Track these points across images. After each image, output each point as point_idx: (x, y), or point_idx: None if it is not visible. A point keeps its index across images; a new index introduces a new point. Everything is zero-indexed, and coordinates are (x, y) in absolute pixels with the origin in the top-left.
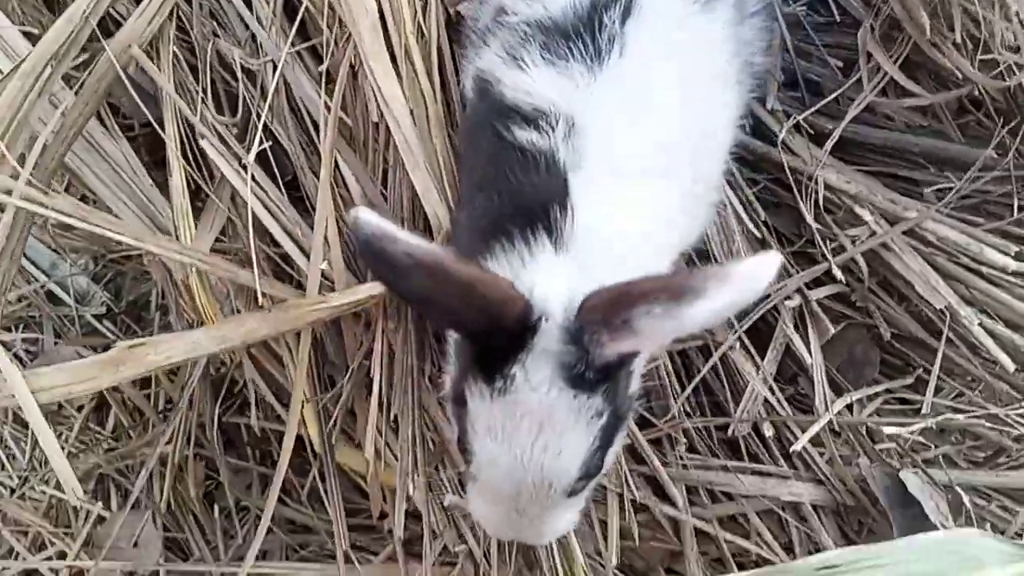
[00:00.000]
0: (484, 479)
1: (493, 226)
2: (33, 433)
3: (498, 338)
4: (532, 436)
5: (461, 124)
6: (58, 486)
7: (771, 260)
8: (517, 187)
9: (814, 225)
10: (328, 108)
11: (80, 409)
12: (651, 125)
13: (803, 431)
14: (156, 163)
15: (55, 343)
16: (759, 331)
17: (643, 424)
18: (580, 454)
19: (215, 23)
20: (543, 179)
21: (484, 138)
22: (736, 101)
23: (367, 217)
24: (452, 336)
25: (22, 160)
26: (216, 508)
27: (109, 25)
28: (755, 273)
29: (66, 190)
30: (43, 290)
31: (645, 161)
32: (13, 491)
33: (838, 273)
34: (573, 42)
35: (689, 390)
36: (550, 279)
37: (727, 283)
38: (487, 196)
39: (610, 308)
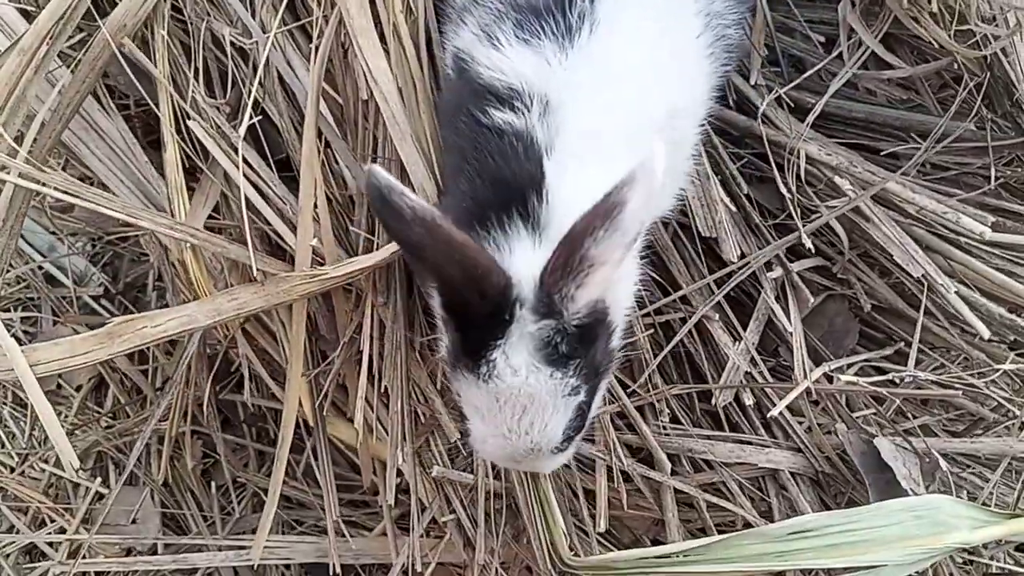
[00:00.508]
0: (479, 451)
1: (473, 211)
2: (32, 412)
3: (477, 309)
4: (516, 416)
5: (439, 103)
6: (57, 464)
7: (656, 151)
8: (495, 171)
9: (787, 195)
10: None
11: (79, 389)
12: (623, 101)
13: (782, 399)
14: (152, 143)
15: (53, 323)
16: (742, 304)
17: (628, 395)
18: (561, 425)
19: (208, 2)
20: (520, 163)
21: (462, 121)
22: (708, 73)
23: (379, 171)
24: (438, 313)
25: (20, 138)
26: (213, 485)
27: (104, 4)
28: (648, 164)
29: (64, 168)
30: (41, 272)
31: (618, 136)
32: (13, 469)
33: (807, 241)
34: (545, 20)
35: (667, 351)
36: (526, 265)
37: (635, 182)
38: (468, 180)
39: (565, 258)
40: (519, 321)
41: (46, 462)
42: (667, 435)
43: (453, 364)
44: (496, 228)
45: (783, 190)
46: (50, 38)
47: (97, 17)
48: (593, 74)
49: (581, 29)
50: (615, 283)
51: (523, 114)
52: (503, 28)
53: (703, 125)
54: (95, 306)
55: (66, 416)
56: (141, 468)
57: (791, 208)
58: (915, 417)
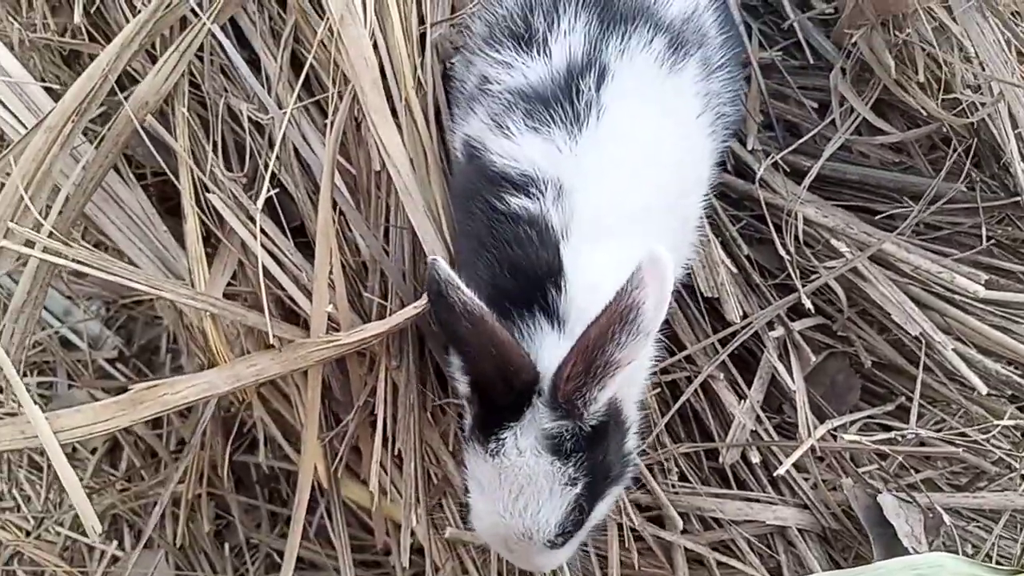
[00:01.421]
0: (476, 527)
1: (495, 300)
2: (48, 476)
3: (501, 398)
4: (513, 496)
5: (453, 186)
6: (73, 527)
7: (658, 248)
8: (514, 258)
9: (786, 256)
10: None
11: (94, 452)
12: (633, 183)
13: (787, 457)
14: (168, 210)
15: (68, 387)
16: (747, 363)
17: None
18: (556, 515)
19: (225, 78)
20: (537, 250)
21: (477, 207)
22: (710, 151)
23: (442, 265)
24: (462, 390)
25: (46, 211)
26: (227, 546)
27: (125, 81)
28: (656, 266)
29: (82, 236)
30: (57, 336)
31: (632, 218)
32: (28, 533)
33: (807, 302)
34: (553, 109)
35: (674, 411)
36: (548, 357)
37: (645, 284)
38: (487, 266)
39: (585, 365)
40: (535, 409)
41: (62, 525)
42: (676, 494)
43: (468, 436)
44: (518, 319)
45: (782, 252)
46: (75, 116)
47: (120, 94)
48: (602, 159)
49: (589, 116)
50: (628, 378)
51: (538, 199)
52: (513, 118)
53: (707, 197)
54: (110, 369)
55: (82, 479)
56: (156, 530)
57: (790, 269)
58: (918, 471)
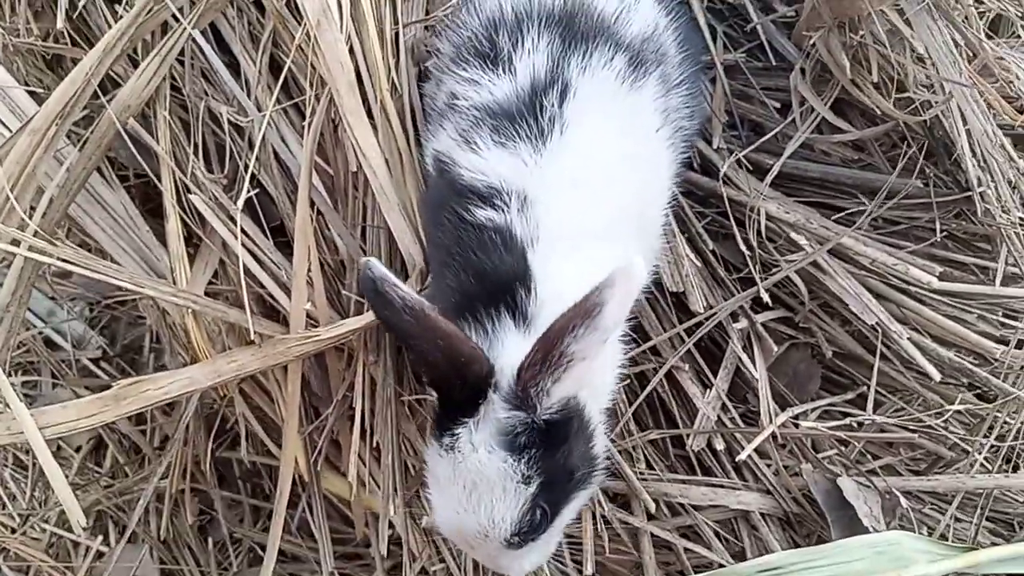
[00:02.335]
0: (436, 523)
1: (462, 303)
2: (33, 473)
3: (457, 392)
4: (467, 492)
5: (424, 199)
6: (58, 524)
7: (636, 260)
8: (480, 265)
9: (747, 251)
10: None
11: (78, 450)
12: (597, 194)
13: (749, 444)
14: (150, 211)
15: (53, 387)
16: (713, 355)
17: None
18: (510, 513)
19: (206, 82)
20: (504, 257)
21: (446, 218)
22: (669, 162)
23: (375, 264)
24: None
25: (31, 212)
26: (210, 541)
27: (107, 85)
28: (628, 271)
29: (66, 236)
30: (40, 336)
31: (595, 228)
32: (14, 530)
33: (765, 296)
34: (519, 124)
35: (641, 400)
36: (511, 354)
37: (614, 287)
38: (454, 274)
39: (544, 354)
40: (489, 404)
41: (47, 522)
42: (644, 480)
43: (428, 433)
44: (485, 319)
45: (743, 247)
46: (59, 119)
47: (103, 97)
48: (566, 171)
49: (553, 131)
50: (593, 375)
51: (503, 210)
52: (480, 133)
53: (669, 205)
54: (94, 369)
55: (67, 476)
56: (140, 526)
57: (750, 264)
58: (878, 457)
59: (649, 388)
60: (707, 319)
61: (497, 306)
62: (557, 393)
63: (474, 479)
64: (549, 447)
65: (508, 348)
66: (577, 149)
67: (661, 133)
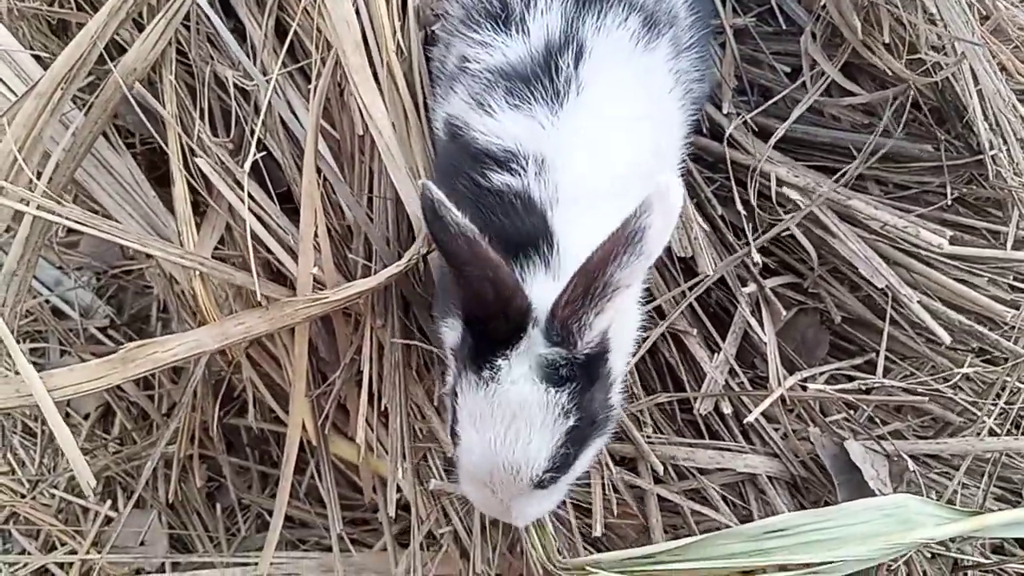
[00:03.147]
0: (464, 463)
1: None
2: (42, 440)
3: (498, 325)
4: (505, 425)
5: (436, 164)
6: (67, 489)
7: (669, 178)
8: (501, 228)
9: (744, 212)
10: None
11: (87, 417)
12: (612, 154)
13: (757, 407)
14: (157, 179)
15: (60, 355)
16: (722, 321)
17: None
18: (546, 447)
19: (211, 46)
20: (525, 219)
21: (461, 184)
22: (681, 123)
23: (432, 187)
24: (451, 339)
25: (37, 176)
26: (218, 507)
27: (112, 50)
28: (663, 192)
29: (73, 201)
30: (48, 305)
31: (612, 185)
32: (23, 496)
33: (756, 256)
34: (534, 86)
35: (641, 354)
36: (540, 295)
37: (653, 210)
38: None
39: (585, 287)
40: (530, 339)
41: (56, 487)
42: (652, 443)
43: (461, 370)
44: (516, 268)
45: (740, 208)
46: (65, 83)
47: (109, 61)
48: (583, 132)
49: (568, 92)
50: (619, 328)
51: (520, 174)
52: (494, 96)
53: (681, 165)
54: (101, 337)
55: (76, 442)
56: (148, 491)
57: (745, 225)
58: (886, 423)
59: (651, 340)
60: (709, 279)
61: (527, 257)
62: (598, 325)
63: (514, 411)
64: (585, 384)
65: (537, 288)
66: (593, 110)
67: (673, 94)
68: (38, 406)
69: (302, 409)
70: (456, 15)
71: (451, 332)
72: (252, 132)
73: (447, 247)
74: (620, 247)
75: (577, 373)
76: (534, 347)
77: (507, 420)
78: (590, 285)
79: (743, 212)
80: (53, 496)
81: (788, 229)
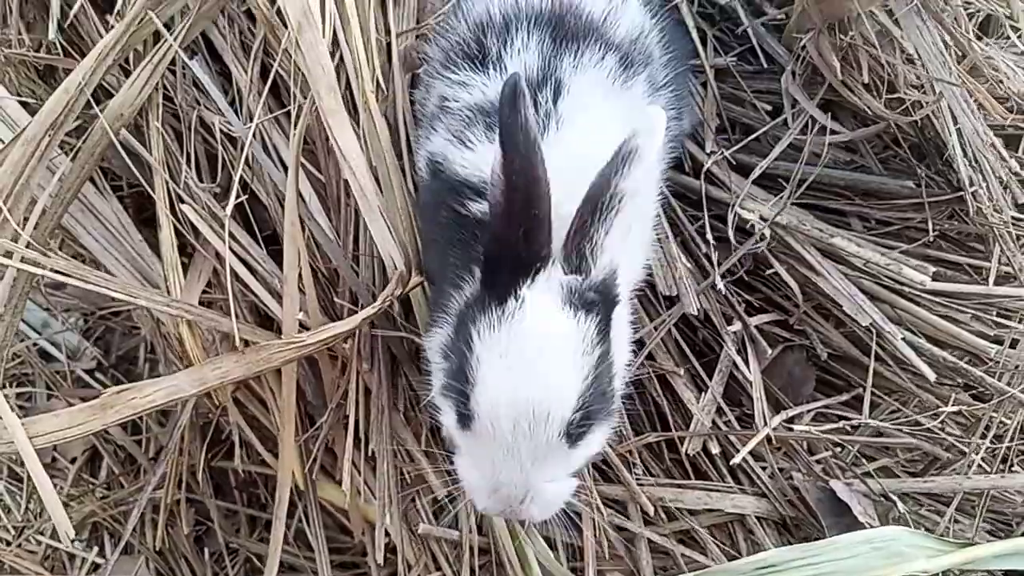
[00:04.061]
0: (482, 418)
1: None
2: (28, 486)
3: (518, 249)
4: (534, 357)
5: (420, 201)
6: (54, 536)
7: (655, 109)
8: (479, 254)
9: (712, 242)
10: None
11: (73, 461)
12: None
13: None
14: (144, 220)
15: (47, 398)
16: (709, 360)
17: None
18: (577, 382)
19: (197, 91)
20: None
21: (442, 215)
22: (659, 157)
23: (521, 79)
24: (457, 299)
25: (23, 223)
26: (206, 552)
27: (99, 95)
28: (649, 123)
29: (60, 247)
30: (35, 348)
31: None
32: (9, 543)
33: (719, 282)
34: None
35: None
36: None
37: (641, 134)
38: (455, 258)
39: (592, 206)
40: (550, 269)
41: (42, 534)
42: (641, 484)
43: (479, 307)
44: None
45: (709, 236)
46: (52, 129)
47: (95, 107)
48: (562, 163)
49: (548, 126)
50: (615, 328)
51: None
52: (474, 131)
53: (660, 197)
54: (88, 379)
55: (62, 487)
56: (136, 536)
57: (711, 255)
58: (874, 459)
59: (638, 359)
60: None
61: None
62: (609, 245)
63: (540, 344)
64: (604, 322)
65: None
66: (571, 142)
67: None
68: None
69: (291, 455)
70: (436, 57)
71: (439, 336)
72: (238, 177)
73: (509, 136)
74: (619, 163)
75: (599, 301)
76: (554, 277)
77: (534, 355)
78: (597, 201)
79: (712, 243)
80: (39, 543)
81: (771, 267)
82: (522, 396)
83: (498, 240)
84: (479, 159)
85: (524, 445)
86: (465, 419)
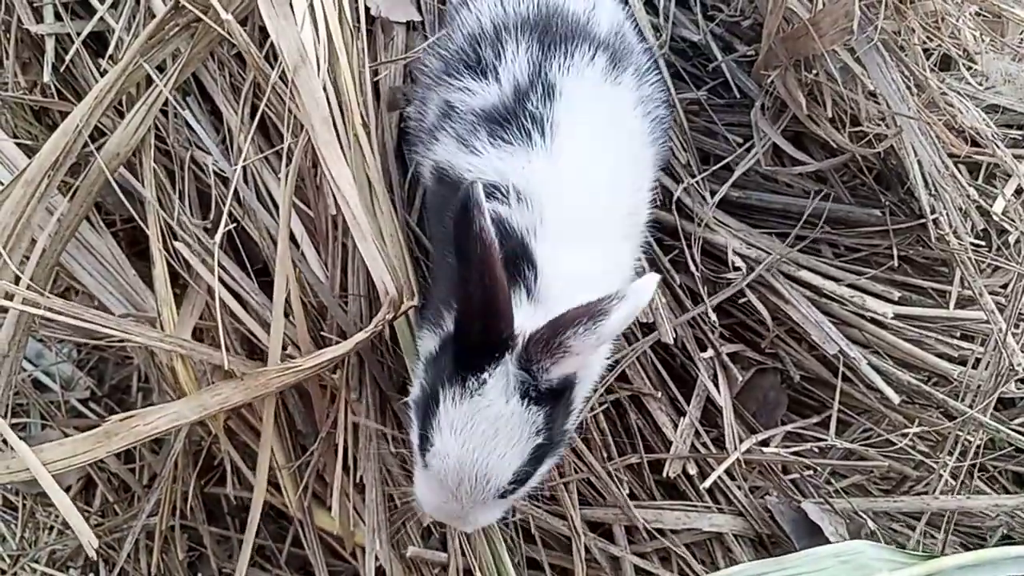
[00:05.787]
0: (435, 468)
1: None
2: (23, 515)
3: (480, 339)
4: (486, 437)
5: (427, 206)
6: (49, 564)
7: (650, 280)
8: None
9: (696, 272)
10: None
11: (68, 489)
12: (591, 187)
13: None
14: (137, 253)
15: (42, 428)
16: (686, 383)
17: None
18: (517, 461)
19: (189, 131)
20: (506, 245)
21: (448, 216)
22: (653, 151)
23: (479, 189)
24: (428, 348)
25: (25, 261)
26: None
27: (94, 134)
28: (639, 291)
29: (55, 281)
30: (30, 378)
31: (592, 218)
32: (4, 572)
33: (712, 315)
34: (510, 126)
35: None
36: (523, 321)
37: (624, 301)
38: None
39: (547, 339)
40: (507, 362)
41: (37, 562)
42: (617, 508)
43: (442, 379)
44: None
45: (694, 269)
46: (52, 170)
47: (91, 146)
48: (561, 167)
49: (543, 130)
50: (585, 367)
51: (504, 202)
52: (479, 137)
53: (652, 200)
54: (83, 409)
55: (57, 516)
56: (131, 563)
57: (697, 282)
58: (846, 477)
59: (608, 380)
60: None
61: (512, 282)
62: (556, 373)
63: (496, 425)
64: (553, 408)
65: (521, 314)
66: (568, 146)
67: (643, 122)
68: (25, 482)
69: (264, 478)
70: (436, 67)
71: (429, 341)
72: (230, 215)
73: (463, 245)
74: (583, 318)
75: (547, 398)
76: (510, 368)
77: (488, 432)
78: (551, 340)
79: (696, 273)
80: (35, 571)
81: (744, 295)
82: (468, 463)
83: (460, 327)
84: (483, 163)
85: (465, 496)
86: (424, 451)
